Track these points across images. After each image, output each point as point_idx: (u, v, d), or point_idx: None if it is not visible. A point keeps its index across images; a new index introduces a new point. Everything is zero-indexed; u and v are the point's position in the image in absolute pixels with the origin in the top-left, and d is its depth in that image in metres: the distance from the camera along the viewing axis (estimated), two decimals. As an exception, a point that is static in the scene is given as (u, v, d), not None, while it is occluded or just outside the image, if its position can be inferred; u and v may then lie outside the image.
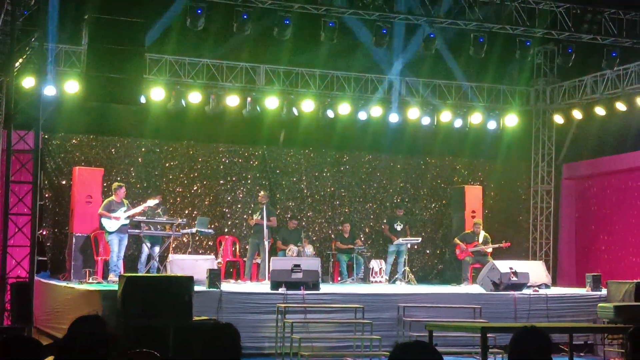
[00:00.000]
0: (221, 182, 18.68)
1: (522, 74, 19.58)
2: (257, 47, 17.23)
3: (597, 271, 16.67)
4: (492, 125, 19.31)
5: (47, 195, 17.16)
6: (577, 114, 18.96)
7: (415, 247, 19.16)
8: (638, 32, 15.71)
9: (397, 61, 18.10)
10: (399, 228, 18.35)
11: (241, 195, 18.76)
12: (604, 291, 15.09)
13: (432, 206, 20.26)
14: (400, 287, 16.75)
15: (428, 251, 20.02)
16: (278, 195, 19.01)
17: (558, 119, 19.59)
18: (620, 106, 17.86)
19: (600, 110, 18.34)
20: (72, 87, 16.04)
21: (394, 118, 18.65)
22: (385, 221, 19.03)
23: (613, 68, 16.99)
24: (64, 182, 17.32)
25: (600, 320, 13.68)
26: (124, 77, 12.83)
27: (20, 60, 13.47)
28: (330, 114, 18.19)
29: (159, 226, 15.79)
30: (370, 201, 19.78)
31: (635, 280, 14.79)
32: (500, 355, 12.58)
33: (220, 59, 17.45)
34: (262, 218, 16.85)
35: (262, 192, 17.64)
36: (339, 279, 17.99)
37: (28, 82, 14.31)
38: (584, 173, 20.26)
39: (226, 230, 18.48)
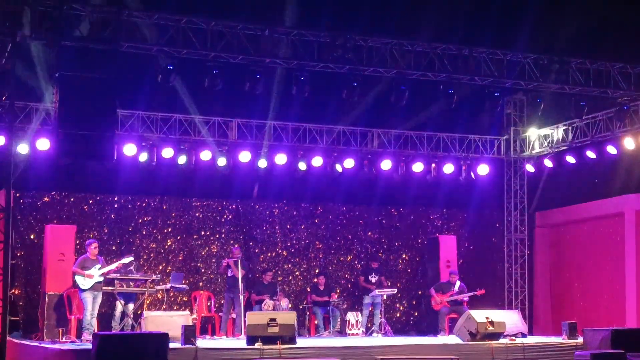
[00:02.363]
0: (195, 236, 18.62)
1: (493, 123, 19.75)
2: (229, 101, 17.29)
3: (572, 319, 16.67)
4: (464, 175, 19.43)
5: (18, 254, 16.99)
6: (547, 163, 19.14)
7: (392, 298, 19.13)
8: (605, 81, 15.93)
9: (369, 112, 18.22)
10: (373, 280, 18.32)
11: (215, 250, 18.69)
12: (580, 339, 15.07)
13: (406, 257, 20.28)
14: (377, 339, 16.66)
15: (404, 302, 19.99)
16: (252, 249, 18.96)
17: (529, 167, 19.77)
18: (590, 154, 18.07)
19: (570, 159, 18.53)
20: (44, 144, 16.00)
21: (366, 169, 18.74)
22: (360, 273, 19.01)
23: (582, 117, 17.21)
24: (35, 241, 17.17)
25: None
26: (96, 134, 12.82)
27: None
28: (302, 166, 18.25)
29: (132, 283, 15.63)
30: (345, 253, 19.78)
31: (611, 327, 14.82)
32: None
33: (192, 114, 17.49)
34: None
35: (236, 246, 17.58)
36: (316, 332, 17.89)
37: (-1, 140, 14.26)
38: (557, 221, 20.38)
39: (201, 285, 18.38)
